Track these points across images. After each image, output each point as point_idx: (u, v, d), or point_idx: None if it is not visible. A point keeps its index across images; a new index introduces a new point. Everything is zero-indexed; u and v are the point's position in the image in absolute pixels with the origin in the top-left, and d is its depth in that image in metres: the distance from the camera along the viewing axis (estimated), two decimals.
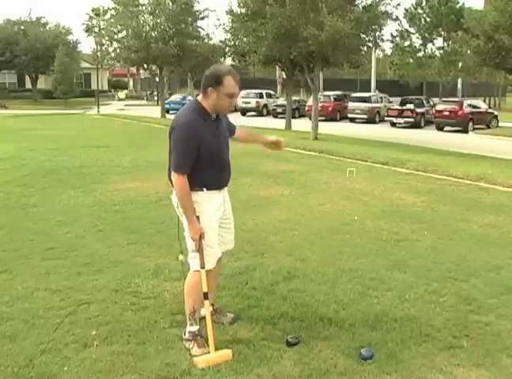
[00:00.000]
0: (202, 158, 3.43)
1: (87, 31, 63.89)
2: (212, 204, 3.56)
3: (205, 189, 3.51)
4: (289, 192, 8.86)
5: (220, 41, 25.57)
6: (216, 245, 3.59)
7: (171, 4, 30.24)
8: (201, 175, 3.47)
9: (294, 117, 27.09)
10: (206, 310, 3.48)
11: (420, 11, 46.91)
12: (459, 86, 49.34)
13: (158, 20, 30.11)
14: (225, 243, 3.78)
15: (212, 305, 3.89)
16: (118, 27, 31.15)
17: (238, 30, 21.30)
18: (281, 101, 34.48)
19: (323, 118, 28.08)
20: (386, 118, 28.96)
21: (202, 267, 3.49)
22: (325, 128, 22.07)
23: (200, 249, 3.49)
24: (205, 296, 3.48)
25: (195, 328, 3.51)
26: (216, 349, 3.40)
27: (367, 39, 19.69)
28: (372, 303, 4.25)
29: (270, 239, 6.01)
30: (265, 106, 36.31)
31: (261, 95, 36.93)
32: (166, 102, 33.70)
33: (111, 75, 66.34)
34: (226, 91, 3.39)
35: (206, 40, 33.54)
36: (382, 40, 20.70)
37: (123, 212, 7.22)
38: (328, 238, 6.11)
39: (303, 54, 18.75)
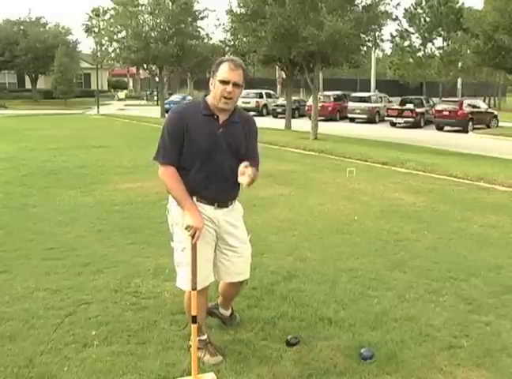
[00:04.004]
0: (188, 153, 3.14)
1: (87, 31, 63.85)
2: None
3: (194, 199, 3.20)
4: (289, 192, 8.86)
5: (220, 41, 25.55)
6: (199, 266, 3.13)
7: (170, 4, 30.24)
8: (189, 177, 3.16)
9: (294, 117, 27.08)
10: (193, 337, 3.11)
11: (420, 11, 46.88)
12: (459, 86, 49.28)
13: (158, 20, 30.11)
14: (229, 274, 3.40)
15: (216, 303, 3.86)
16: (118, 27, 31.17)
17: (237, 30, 21.29)
18: (281, 101, 34.47)
19: (323, 117, 28.07)
20: (386, 118, 28.93)
21: (194, 288, 3.09)
22: (325, 128, 22.08)
23: (193, 258, 3.08)
24: (193, 320, 3.10)
25: (204, 337, 3.38)
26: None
27: (366, 39, 19.69)
28: (372, 303, 4.25)
29: (270, 239, 6.01)
30: (265, 106, 36.29)
31: (261, 95, 36.91)
32: (166, 102, 33.68)
33: (110, 75, 66.30)
34: (219, 78, 3.12)
35: (206, 40, 33.54)
36: (382, 40, 20.72)
37: (123, 212, 7.23)
38: (328, 238, 6.11)
39: (302, 53, 18.76)
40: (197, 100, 3.33)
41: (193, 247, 3.09)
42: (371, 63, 43.37)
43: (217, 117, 3.20)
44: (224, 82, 3.10)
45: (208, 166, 3.18)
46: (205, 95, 3.28)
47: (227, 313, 3.82)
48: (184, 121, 3.16)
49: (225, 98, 3.11)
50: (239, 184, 3.30)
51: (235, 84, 3.12)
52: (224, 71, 3.12)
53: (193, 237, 3.07)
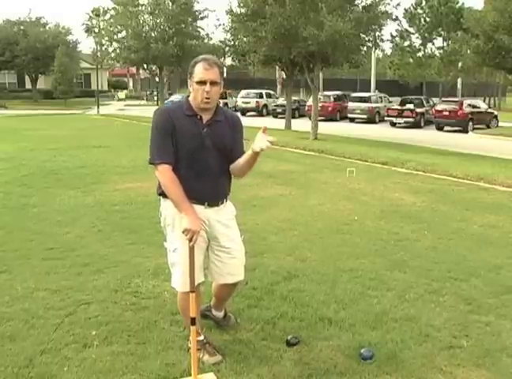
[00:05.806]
0: (175, 153, 3.13)
1: (87, 31, 63.85)
2: None
3: None
4: (289, 192, 8.87)
5: (220, 41, 25.58)
6: (187, 267, 3.09)
7: (170, 4, 30.29)
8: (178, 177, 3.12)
9: (294, 117, 27.07)
10: (193, 339, 3.11)
11: (420, 11, 46.89)
12: (459, 86, 49.29)
13: (158, 20, 30.18)
14: (222, 275, 3.39)
15: (209, 305, 3.85)
16: (118, 27, 31.23)
17: (238, 30, 21.27)
18: (281, 101, 34.46)
19: (323, 117, 28.06)
20: (386, 118, 28.92)
21: (192, 290, 3.06)
22: (325, 128, 22.08)
23: (191, 262, 3.05)
24: (192, 322, 3.09)
25: (201, 337, 3.37)
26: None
27: (366, 39, 19.70)
28: (372, 303, 4.25)
29: (270, 239, 6.01)
30: (265, 106, 36.27)
31: (261, 95, 36.90)
32: (166, 102, 33.65)
33: (110, 75, 66.28)
34: (196, 79, 3.10)
35: (206, 40, 33.57)
36: (382, 40, 20.72)
37: (123, 212, 7.23)
38: (328, 238, 6.11)
39: (302, 54, 18.76)
40: (181, 102, 3.31)
41: (191, 251, 3.05)
42: (371, 63, 43.34)
43: (200, 117, 3.19)
44: (201, 82, 3.09)
45: (195, 166, 3.17)
46: (188, 96, 3.27)
47: (221, 314, 3.80)
48: (171, 119, 3.15)
49: (205, 98, 3.11)
50: (229, 182, 3.34)
51: (212, 83, 3.11)
52: (199, 72, 3.11)
53: (190, 240, 3.02)
